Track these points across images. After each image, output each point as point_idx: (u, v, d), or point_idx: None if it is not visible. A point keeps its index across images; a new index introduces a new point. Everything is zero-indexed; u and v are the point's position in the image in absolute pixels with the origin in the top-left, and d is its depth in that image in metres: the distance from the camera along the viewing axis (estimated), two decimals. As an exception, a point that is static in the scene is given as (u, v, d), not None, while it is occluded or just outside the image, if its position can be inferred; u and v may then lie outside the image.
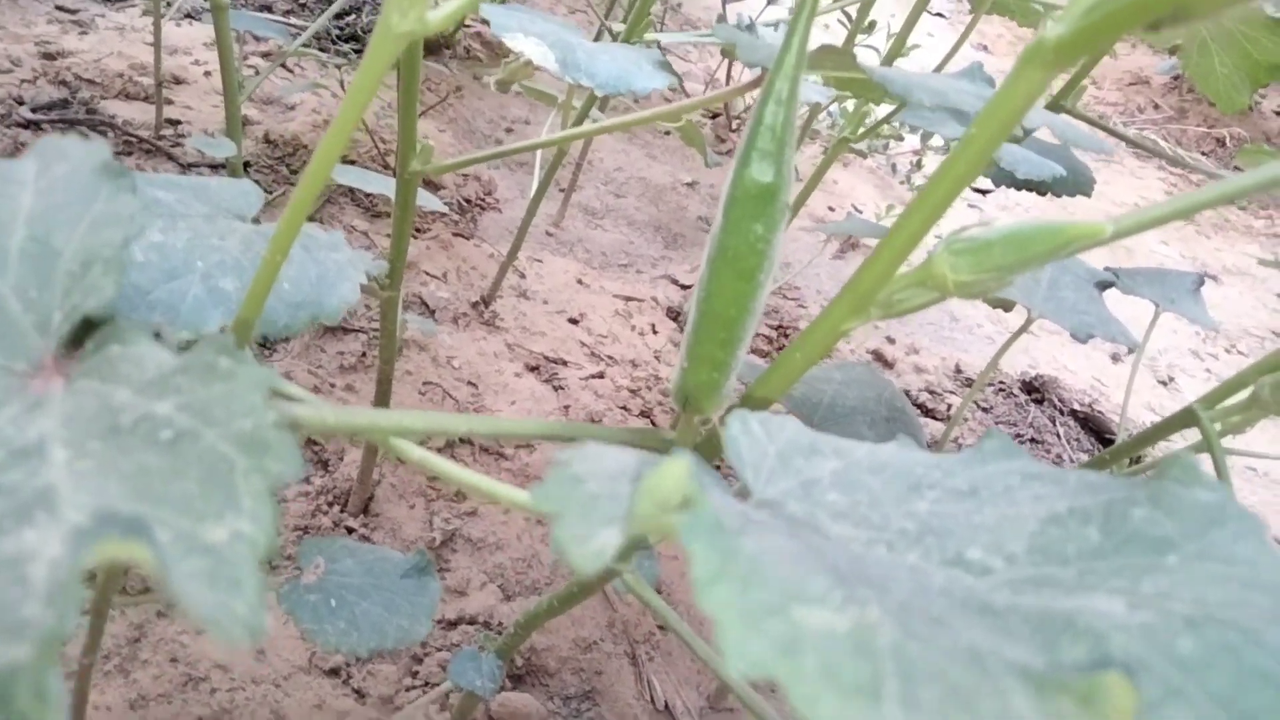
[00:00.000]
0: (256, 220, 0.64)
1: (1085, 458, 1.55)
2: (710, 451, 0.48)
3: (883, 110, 1.30)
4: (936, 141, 2.39)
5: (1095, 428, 1.64)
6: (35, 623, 0.17)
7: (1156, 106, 3.83)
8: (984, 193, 2.56)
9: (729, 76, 2.36)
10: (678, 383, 0.45)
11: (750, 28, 0.66)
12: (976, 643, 0.20)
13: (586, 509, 0.21)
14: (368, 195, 1.51)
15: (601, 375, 1.37)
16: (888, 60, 1.12)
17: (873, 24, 1.60)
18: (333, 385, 1.16)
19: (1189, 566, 0.26)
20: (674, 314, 1.62)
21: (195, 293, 0.53)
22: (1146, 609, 0.23)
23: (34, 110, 1.36)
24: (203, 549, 0.21)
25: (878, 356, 1.69)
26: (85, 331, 0.28)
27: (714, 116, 2.43)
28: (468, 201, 1.67)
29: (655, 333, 1.54)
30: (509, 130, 2.04)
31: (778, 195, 0.41)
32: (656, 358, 1.47)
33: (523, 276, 1.54)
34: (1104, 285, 0.87)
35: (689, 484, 0.19)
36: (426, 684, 0.88)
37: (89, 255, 0.29)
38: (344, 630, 0.57)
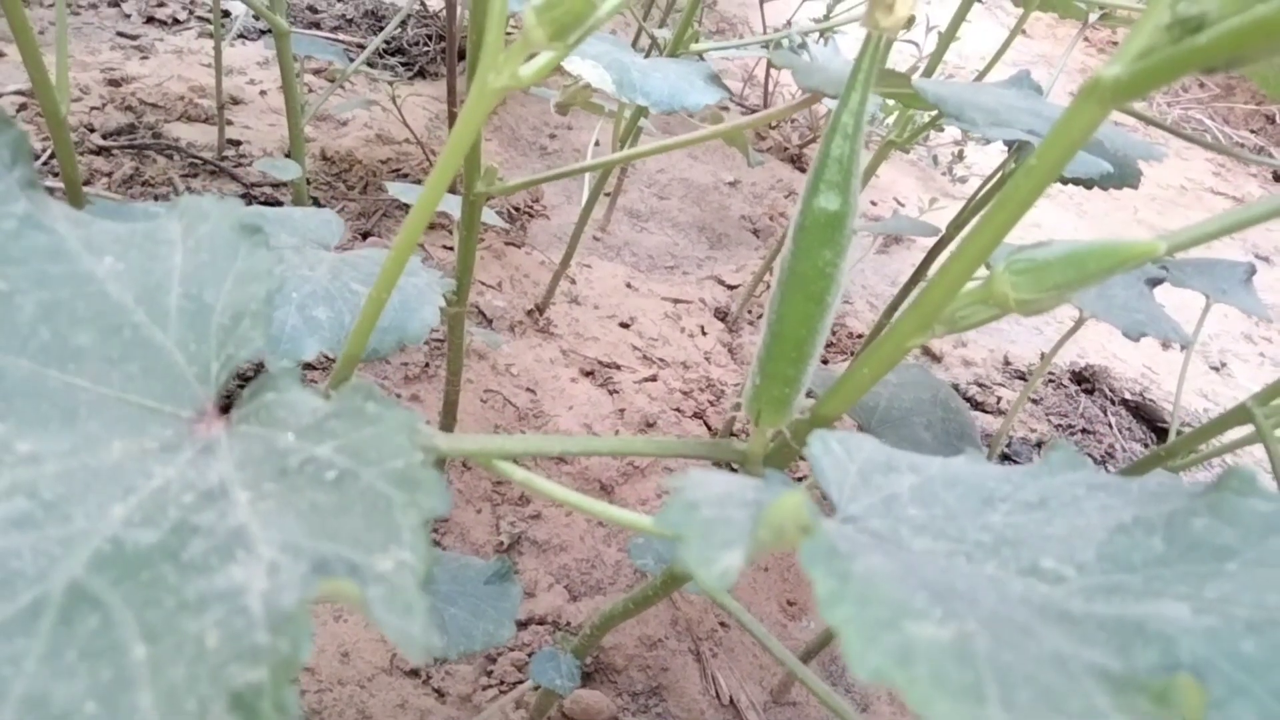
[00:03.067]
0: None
1: (1138, 447, 1.55)
2: (781, 461, 0.51)
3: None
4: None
5: (1147, 416, 1.64)
6: (267, 648, 0.20)
7: (1202, 85, 3.77)
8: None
9: (768, 74, 2.38)
10: (750, 397, 0.47)
11: (803, 47, 0.68)
12: (1059, 648, 0.23)
13: (707, 533, 0.24)
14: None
15: (654, 378, 1.40)
16: (934, 59, 1.13)
17: (911, 19, 1.61)
18: (399, 395, 1.20)
19: (1249, 572, 0.28)
20: (722, 315, 1.65)
21: (293, 323, 0.57)
22: (1210, 613, 0.26)
23: (104, 137, 1.42)
24: (376, 578, 0.24)
25: (925, 350, 1.71)
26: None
27: (753, 114, 2.45)
28: (517, 210, 1.71)
29: (704, 334, 1.56)
30: (552, 136, 2.08)
31: (844, 223, 0.43)
32: (707, 359, 1.50)
33: (573, 282, 1.57)
34: (1155, 282, 0.88)
35: (805, 514, 0.22)
36: (501, 683, 0.92)
37: (238, 309, 0.32)
38: (434, 652, 0.61)
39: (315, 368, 1.20)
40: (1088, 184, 1.07)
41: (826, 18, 1.58)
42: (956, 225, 1.16)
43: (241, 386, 0.31)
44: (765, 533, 0.22)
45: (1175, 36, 0.32)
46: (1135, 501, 0.32)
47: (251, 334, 0.31)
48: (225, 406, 0.31)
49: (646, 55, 1.03)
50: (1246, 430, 0.75)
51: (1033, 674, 0.21)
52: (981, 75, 1.25)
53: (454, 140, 0.39)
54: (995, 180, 1.18)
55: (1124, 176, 1.12)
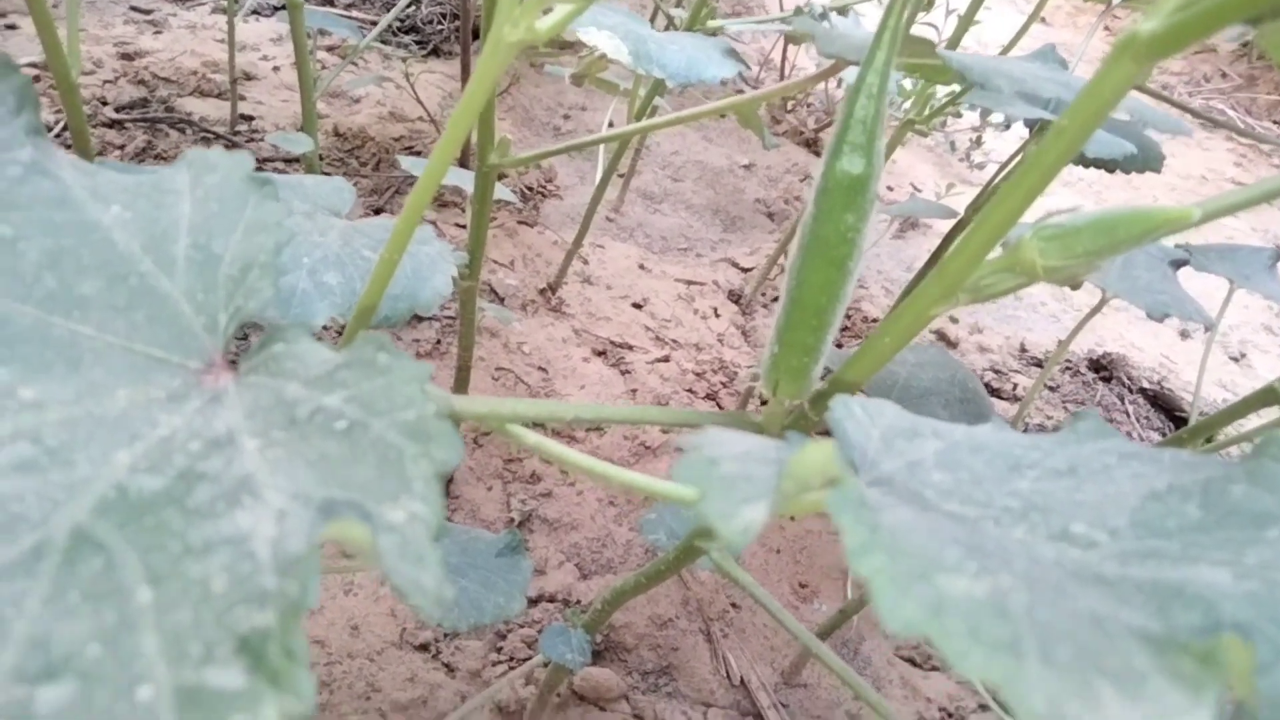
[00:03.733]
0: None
1: (1156, 436, 1.54)
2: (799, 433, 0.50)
3: (942, 90, 1.29)
4: (995, 118, 2.36)
5: (1165, 405, 1.62)
6: (275, 592, 0.19)
7: (1224, 75, 3.73)
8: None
9: (784, 57, 2.36)
10: (768, 367, 0.46)
11: (824, 17, 0.67)
12: (1095, 608, 0.22)
13: (727, 488, 0.23)
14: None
15: (667, 359, 1.39)
16: (953, 41, 1.12)
17: (931, 1, 1.59)
18: (409, 372, 1.19)
19: (1290, 539, 0.27)
20: (735, 297, 1.63)
21: (303, 287, 0.56)
22: (1252, 579, 0.25)
23: (117, 110, 1.41)
24: (387, 527, 0.23)
25: (941, 336, 1.69)
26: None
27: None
28: (530, 189, 1.70)
29: (717, 316, 1.55)
30: (566, 117, 2.07)
31: (868, 186, 0.42)
32: (720, 341, 1.49)
33: (586, 262, 1.56)
34: (1178, 264, 0.87)
35: (834, 465, 0.21)
36: (511, 658, 0.91)
37: (247, 260, 0.31)
38: (447, 606, 0.60)
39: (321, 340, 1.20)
40: (1110, 166, 1.05)
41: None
42: (975, 209, 1.14)
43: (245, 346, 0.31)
44: (790, 484, 0.22)
45: (1219, -15, 0.31)
46: (1169, 470, 0.31)
47: (260, 285, 0.31)
48: (232, 360, 0.31)
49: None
50: (1267, 419, 0.74)
51: (1070, 631, 0.20)
52: (1002, 55, 1.23)
53: (468, 97, 0.38)
54: (1014, 165, 1.17)
55: (1147, 159, 1.10)
